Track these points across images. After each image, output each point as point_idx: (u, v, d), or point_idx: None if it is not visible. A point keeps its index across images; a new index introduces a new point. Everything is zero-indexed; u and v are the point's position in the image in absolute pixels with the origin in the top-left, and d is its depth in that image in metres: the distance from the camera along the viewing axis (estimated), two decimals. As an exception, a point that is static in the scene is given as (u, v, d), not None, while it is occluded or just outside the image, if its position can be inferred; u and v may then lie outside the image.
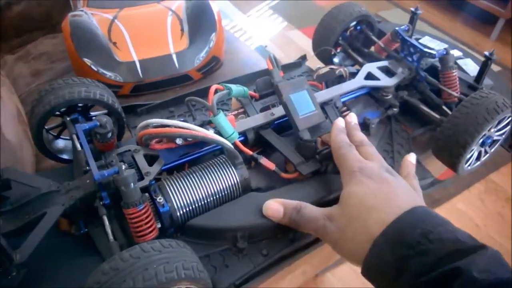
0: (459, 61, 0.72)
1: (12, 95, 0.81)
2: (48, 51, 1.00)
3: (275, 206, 0.43)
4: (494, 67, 0.77)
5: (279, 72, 0.52)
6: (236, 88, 0.51)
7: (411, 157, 0.49)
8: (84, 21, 0.87)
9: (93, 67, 0.82)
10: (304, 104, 0.50)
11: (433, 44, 0.74)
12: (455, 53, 0.73)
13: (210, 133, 0.43)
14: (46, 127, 0.52)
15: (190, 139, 0.44)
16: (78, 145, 0.46)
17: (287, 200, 0.43)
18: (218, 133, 0.45)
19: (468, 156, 0.54)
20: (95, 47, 0.84)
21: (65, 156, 0.54)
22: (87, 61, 0.82)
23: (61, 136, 0.55)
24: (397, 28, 0.64)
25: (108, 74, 0.82)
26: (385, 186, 0.41)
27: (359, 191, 0.40)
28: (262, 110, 0.53)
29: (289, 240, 0.45)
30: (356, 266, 0.39)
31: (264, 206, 0.43)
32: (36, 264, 0.39)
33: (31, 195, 0.41)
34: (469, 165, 0.56)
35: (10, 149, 0.68)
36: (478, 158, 0.58)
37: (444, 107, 0.61)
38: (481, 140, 0.54)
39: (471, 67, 0.70)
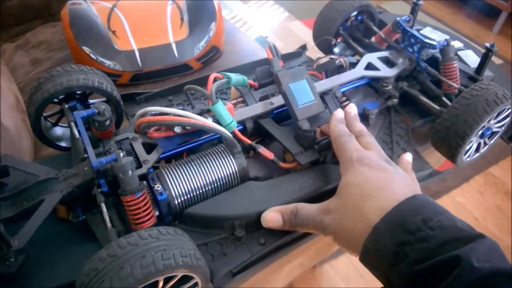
0: (460, 53, 0.71)
1: (11, 84, 0.80)
2: (47, 40, 0.99)
3: (273, 217, 0.43)
4: (496, 60, 0.77)
5: (279, 62, 0.52)
6: (235, 77, 0.50)
7: (408, 156, 0.49)
8: (83, 10, 0.87)
9: (92, 55, 0.81)
10: (303, 94, 0.50)
11: (434, 35, 0.74)
12: (456, 44, 0.73)
13: (208, 122, 0.43)
14: (44, 114, 0.52)
15: (188, 128, 0.43)
16: (76, 133, 0.46)
17: (283, 206, 0.43)
18: (217, 122, 0.45)
19: (467, 148, 0.54)
20: (94, 35, 0.84)
21: (63, 144, 0.54)
22: (86, 49, 0.81)
23: (59, 124, 0.55)
24: (398, 19, 0.64)
25: (107, 62, 0.82)
26: (383, 175, 0.40)
27: (356, 180, 0.40)
28: (261, 99, 0.53)
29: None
30: (355, 256, 0.39)
31: (262, 219, 0.43)
32: (35, 251, 0.39)
33: (29, 182, 0.41)
34: (468, 157, 0.56)
35: (9, 137, 0.68)
36: (477, 149, 0.58)
37: (444, 98, 0.61)
38: (480, 132, 0.54)
39: (472, 59, 0.70)
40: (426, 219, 0.34)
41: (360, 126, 0.48)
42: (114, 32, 0.85)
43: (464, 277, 0.30)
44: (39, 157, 0.73)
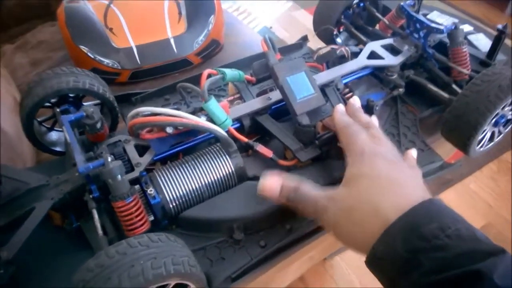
0: (470, 37, 0.68)
1: (9, 86, 0.79)
2: (46, 40, 0.98)
3: (273, 185, 0.39)
4: (509, 43, 0.73)
5: (276, 55, 0.50)
6: (230, 73, 0.48)
7: (413, 152, 0.45)
8: (79, 8, 0.85)
9: (90, 54, 0.80)
10: (302, 87, 0.47)
11: (441, 19, 0.71)
12: (466, 28, 0.69)
13: (201, 121, 0.41)
14: (39, 119, 0.51)
15: (180, 128, 0.42)
16: (68, 137, 0.44)
17: (287, 176, 0.40)
18: (211, 120, 0.43)
19: (480, 137, 0.51)
20: (91, 34, 0.82)
21: (58, 149, 0.53)
22: (84, 48, 0.80)
23: (55, 128, 0.54)
24: (402, 3, 0.60)
25: (106, 61, 0.80)
26: (397, 170, 0.37)
27: (372, 173, 0.37)
28: (259, 94, 0.51)
29: (287, 231, 0.43)
30: (357, 252, 0.36)
31: (260, 184, 0.39)
32: (29, 260, 0.38)
33: (20, 190, 0.40)
34: (481, 147, 0.53)
35: (9, 141, 0.67)
36: (491, 139, 0.55)
37: (453, 86, 0.58)
38: (494, 120, 0.51)
39: (483, 42, 0.66)
40: (443, 227, 0.31)
41: (366, 118, 0.45)
42: (111, 29, 0.83)
43: None
44: (41, 160, 0.72)
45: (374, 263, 0.34)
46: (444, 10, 0.75)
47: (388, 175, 0.36)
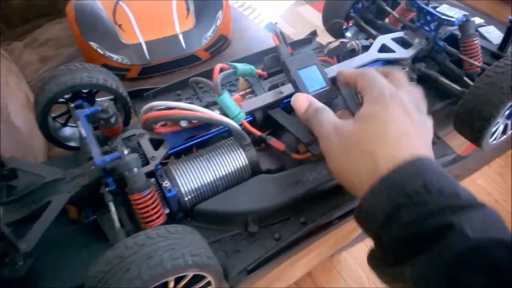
0: (481, 29, 0.67)
1: (21, 83, 0.80)
2: (55, 37, 0.99)
3: (303, 101, 0.42)
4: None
5: (287, 49, 0.50)
6: (242, 67, 0.48)
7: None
8: (88, 4, 0.85)
9: (99, 50, 0.80)
10: (314, 80, 0.47)
11: (451, 13, 0.70)
12: (477, 20, 0.68)
13: (214, 114, 0.41)
14: (52, 115, 0.51)
15: (194, 121, 0.42)
16: (83, 132, 0.45)
17: (316, 100, 0.42)
18: (224, 114, 0.43)
19: (493, 130, 0.51)
20: (100, 30, 0.82)
21: (72, 144, 0.53)
22: (93, 44, 0.80)
23: (69, 124, 0.54)
24: (412, -4, 0.60)
25: (115, 57, 0.81)
26: (409, 122, 0.36)
27: (383, 116, 0.36)
28: (271, 88, 0.51)
29: (301, 223, 0.43)
30: (344, 186, 0.37)
31: (293, 97, 0.43)
32: (46, 253, 0.39)
33: (37, 184, 0.40)
34: (494, 139, 0.53)
35: (21, 137, 0.68)
36: (504, 131, 0.54)
37: (465, 78, 0.57)
38: (507, 112, 0.50)
39: (494, 35, 0.66)
40: (426, 184, 0.31)
41: (383, 68, 0.43)
42: (120, 25, 0.83)
43: (453, 245, 0.28)
44: (53, 155, 0.72)
45: (361, 218, 0.34)
46: (453, 3, 0.75)
47: (398, 123, 0.36)
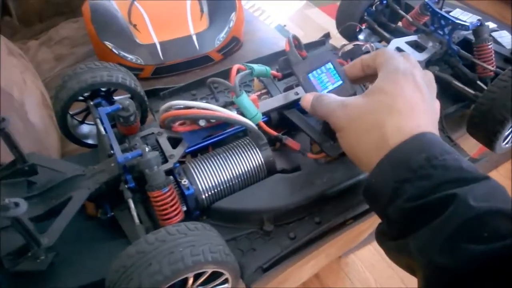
0: (493, 34, 0.67)
1: (36, 80, 0.81)
2: (69, 36, 1.00)
3: (308, 97, 0.42)
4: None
5: (302, 52, 0.50)
6: (258, 68, 0.49)
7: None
8: (104, 4, 0.87)
9: (114, 50, 0.81)
10: (327, 80, 0.47)
11: (464, 17, 0.70)
12: (490, 25, 0.69)
13: (233, 114, 0.42)
14: (70, 112, 0.52)
15: (213, 121, 0.43)
16: (102, 129, 0.46)
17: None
18: (241, 114, 0.44)
19: (507, 133, 0.51)
20: (115, 30, 0.84)
21: (89, 141, 0.54)
22: (108, 44, 0.82)
23: (86, 121, 0.55)
24: (426, 0, 0.61)
25: (129, 57, 0.82)
26: (418, 97, 0.37)
27: (394, 90, 0.37)
28: (286, 89, 0.51)
29: (316, 223, 0.44)
30: (354, 162, 0.38)
31: (301, 98, 0.43)
32: (65, 249, 0.39)
33: (57, 179, 0.41)
34: (507, 143, 0.53)
35: (36, 134, 0.69)
36: (516, 135, 0.54)
37: (479, 82, 0.58)
38: (520, 116, 0.51)
39: (507, 40, 0.66)
40: (430, 157, 0.31)
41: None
42: (135, 25, 0.85)
43: (457, 215, 0.28)
44: (66, 152, 0.73)
45: (368, 193, 0.35)
46: (465, 7, 0.75)
47: (408, 97, 0.36)
